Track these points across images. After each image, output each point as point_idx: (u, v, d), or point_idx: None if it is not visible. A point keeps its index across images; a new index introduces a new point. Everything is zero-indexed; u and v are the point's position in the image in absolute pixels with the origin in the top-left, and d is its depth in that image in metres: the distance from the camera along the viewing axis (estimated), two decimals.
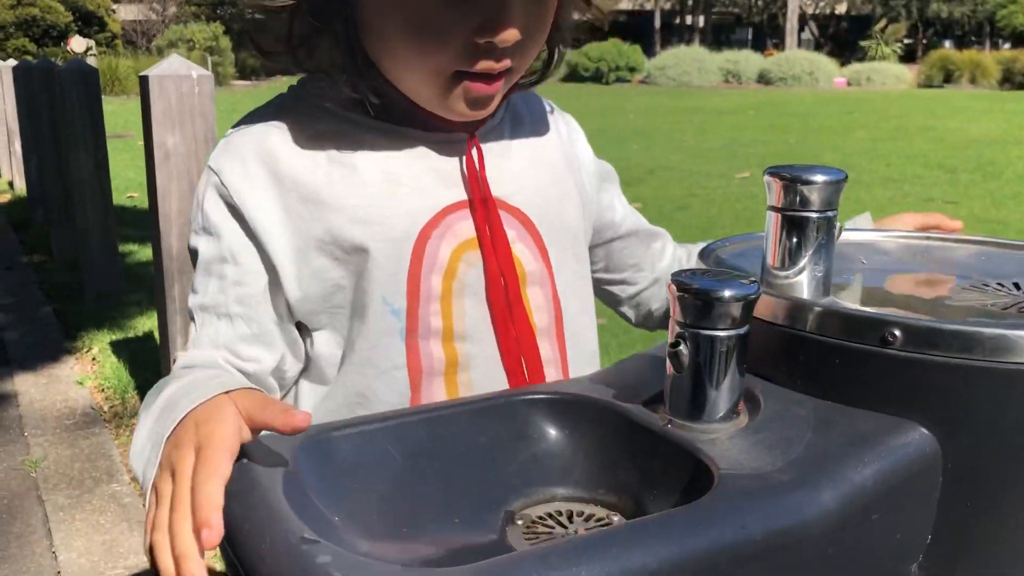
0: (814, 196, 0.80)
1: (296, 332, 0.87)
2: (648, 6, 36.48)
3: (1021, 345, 0.67)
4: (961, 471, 0.69)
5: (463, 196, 0.85)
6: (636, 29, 32.65)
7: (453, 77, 0.80)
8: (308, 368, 0.88)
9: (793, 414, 0.73)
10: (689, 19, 35.49)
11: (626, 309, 1.13)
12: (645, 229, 1.11)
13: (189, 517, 0.57)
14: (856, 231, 1.09)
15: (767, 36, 36.70)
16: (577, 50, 22.75)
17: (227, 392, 0.64)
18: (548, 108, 1.02)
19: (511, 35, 0.77)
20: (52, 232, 5.73)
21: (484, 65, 0.79)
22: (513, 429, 0.77)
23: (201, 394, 0.63)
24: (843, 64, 23.44)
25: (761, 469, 0.65)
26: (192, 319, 0.85)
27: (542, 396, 0.78)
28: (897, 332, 0.70)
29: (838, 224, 0.84)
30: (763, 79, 21.79)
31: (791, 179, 0.81)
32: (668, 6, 37.03)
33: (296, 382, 0.89)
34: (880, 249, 1.05)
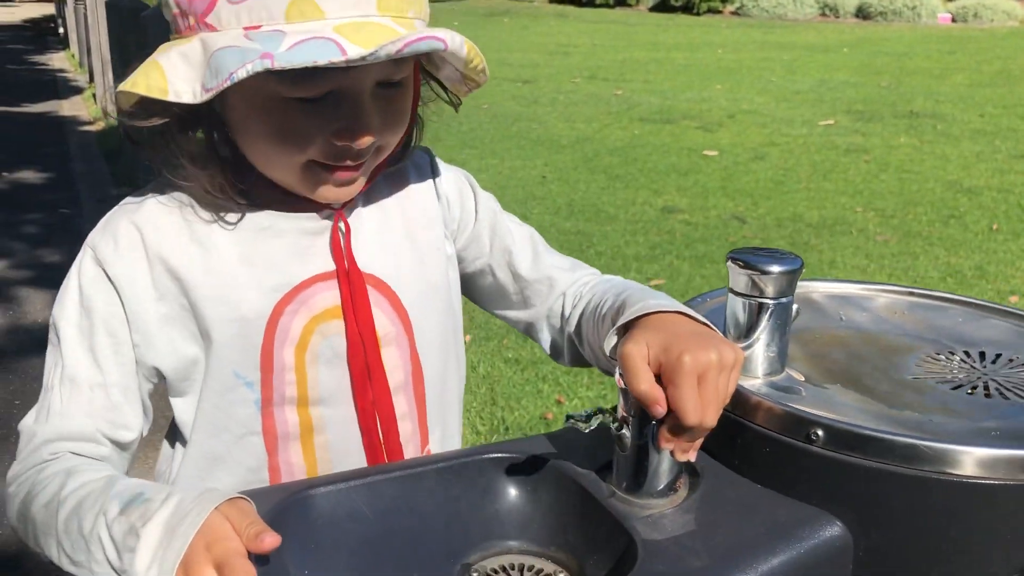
0: (770, 287, 0.86)
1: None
2: None
3: (929, 455, 0.73)
4: (871, 563, 0.76)
5: (325, 268, 0.91)
6: None
7: (313, 168, 0.86)
8: (170, 430, 0.97)
9: (723, 496, 0.80)
10: None
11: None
12: (544, 278, 1.06)
13: None
14: (843, 283, 1.14)
15: None
16: None
17: (217, 507, 0.71)
18: (427, 167, 1.04)
19: (367, 140, 0.85)
20: (140, 167, 5.98)
21: (340, 160, 0.86)
22: (478, 485, 0.87)
23: (197, 515, 0.70)
24: None
25: (681, 555, 0.74)
26: (51, 389, 0.89)
27: (507, 456, 0.87)
28: (820, 432, 0.77)
29: (795, 307, 0.90)
30: (862, 13, 20.90)
31: (750, 268, 0.87)
32: None
33: (162, 442, 0.98)
34: (862, 305, 1.10)
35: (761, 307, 0.87)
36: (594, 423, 0.79)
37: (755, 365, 0.90)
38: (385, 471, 0.85)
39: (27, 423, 0.90)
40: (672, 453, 0.78)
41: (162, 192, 0.92)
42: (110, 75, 7.87)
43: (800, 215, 5.42)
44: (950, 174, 6.47)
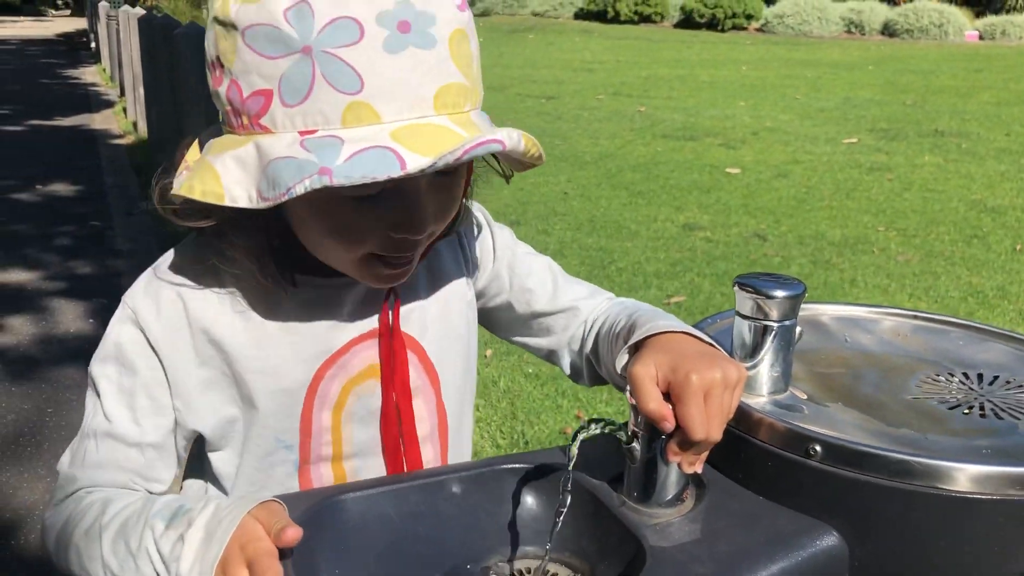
0: (774, 310, 0.91)
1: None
2: None
3: (920, 470, 0.78)
4: (866, 573, 0.81)
5: (366, 329, 0.94)
6: None
7: (371, 260, 0.87)
8: (207, 479, 1.00)
9: (727, 507, 0.85)
10: None
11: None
12: (565, 309, 1.10)
13: None
14: (850, 307, 1.19)
15: None
16: None
17: (250, 511, 0.77)
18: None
19: (422, 229, 0.85)
20: None
21: (397, 252, 0.86)
22: (497, 493, 0.92)
23: (232, 520, 0.76)
24: (978, 15, 22.19)
25: (686, 561, 0.78)
26: (88, 437, 0.92)
27: (524, 466, 0.93)
28: (818, 447, 0.82)
29: (798, 329, 0.95)
30: (888, 30, 20.88)
31: (756, 292, 0.92)
32: None
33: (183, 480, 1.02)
34: (867, 328, 1.14)
35: (766, 329, 0.92)
36: (594, 429, 0.84)
37: (760, 384, 0.94)
38: (410, 479, 0.91)
39: (63, 466, 0.94)
40: (679, 466, 0.83)
41: (204, 256, 0.91)
42: (141, 89, 8.02)
43: (822, 233, 5.44)
44: (974, 193, 6.47)
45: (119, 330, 0.92)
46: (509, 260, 1.09)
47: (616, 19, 22.82)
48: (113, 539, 0.82)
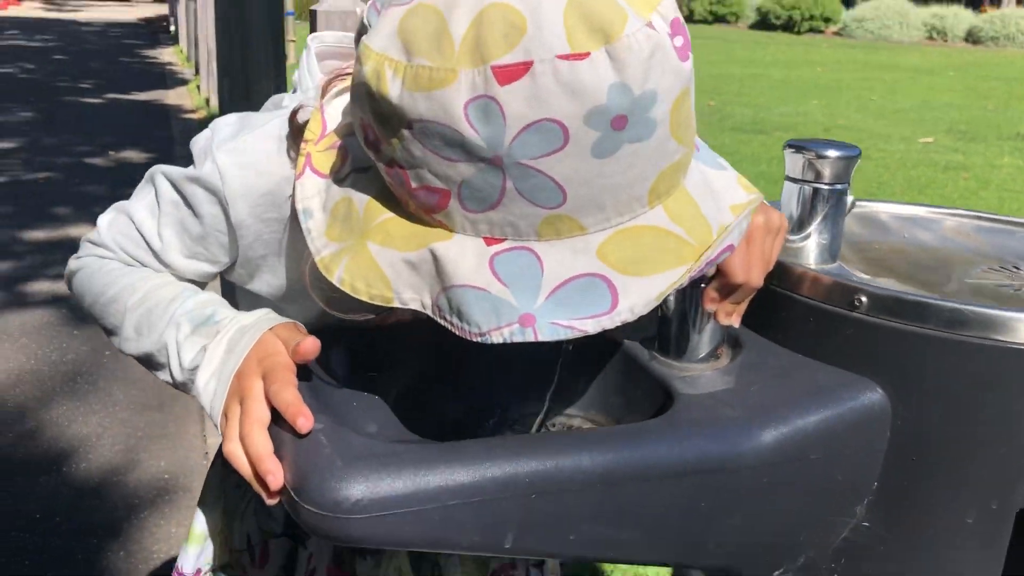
0: (826, 170, 0.86)
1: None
2: None
3: (973, 319, 0.73)
4: (909, 429, 0.76)
5: None
6: None
7: None
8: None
9: (765, 363, 0.81)
10: None
11: None
12: None
13: (260, 424, 0.68)
14: (911, 206, 1.13)
15: None
16: None
17: (272, 328, 0.75)
18: None
19: None
20: None
21: None
22: (525, 350, 0.88)
23: (253, 335, 0.74)
24: None
25: (714, 406, 0.75)
26: (133, 213, 0.85)
27: None
28: (863, 298, 0.77)
29: (850, 197, 0.90)
30: (971, 37, 20.30)
31: (805, 151, 0.87)
32: None
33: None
34: (927, 226, 1.08)
35: (816, 193, 0.87)
36: None
37: (807, 253, 0.90)
38: None
39: (103, 224, 0.88)
40: (716, 317, 0.79)
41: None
42: (213, 64, 8.17)
43: None
44: None
45: (204, 174, 0.80)
46: None
47: (690, 18, 22.59)
48: (137, 320, 0.81)
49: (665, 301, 0.82)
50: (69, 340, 3.45)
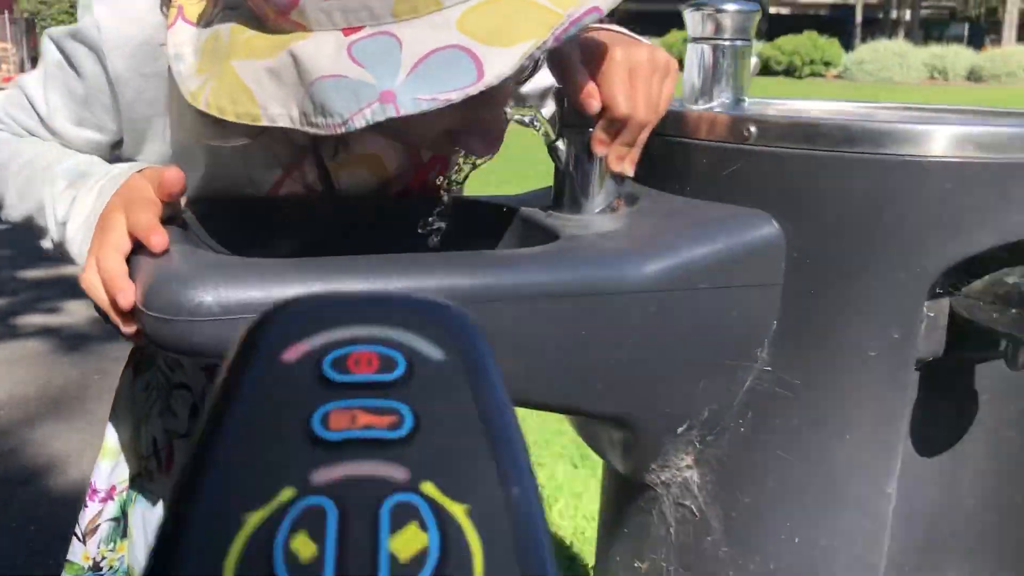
0: (727, 23, 0.84)
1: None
2: (851, 0, 34.89)
3: (860, 135, 0.70)
4: (805, 261, 0.73)
5: None
6: (835, 24, 31.31)
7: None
8: None
9: (658, 208, 0.78)
10: (895, 14, 33.70)
11: None
12: None
13: (115, 248, 0.67)
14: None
15: (985, 32, 34.26)
16: (770, 43, 22.14)
17: (139, 171, 0.74)
18: None
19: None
20: None
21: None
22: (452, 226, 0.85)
23: (121, 179, 0.73)
24: None
25: (598, 241, 0.72)
26: (22, 106, 0.84)
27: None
28: (752, 128, 0.74)
29: (754, 57, 0.88)
30: (973, 76, 20.44)
31: (704, 7, 0.85)
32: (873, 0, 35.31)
33: None
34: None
35: (716, 49, 0.85)
36: (538, 124, 0.77)
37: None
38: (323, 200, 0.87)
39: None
40: (607, 163, 0.77)
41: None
42: None
43: None
44: None
45: (76, 44, 0.79)
46: None
47: None
48: (20, 185, 0.80)
49: (556, 151, 0.80)
50: (59, 366, 3.46)
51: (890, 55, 20.81)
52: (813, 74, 21.21)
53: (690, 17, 0.87)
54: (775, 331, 0.74)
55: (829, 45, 21.37)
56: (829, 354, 0.74)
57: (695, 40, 0.87)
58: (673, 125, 0.80)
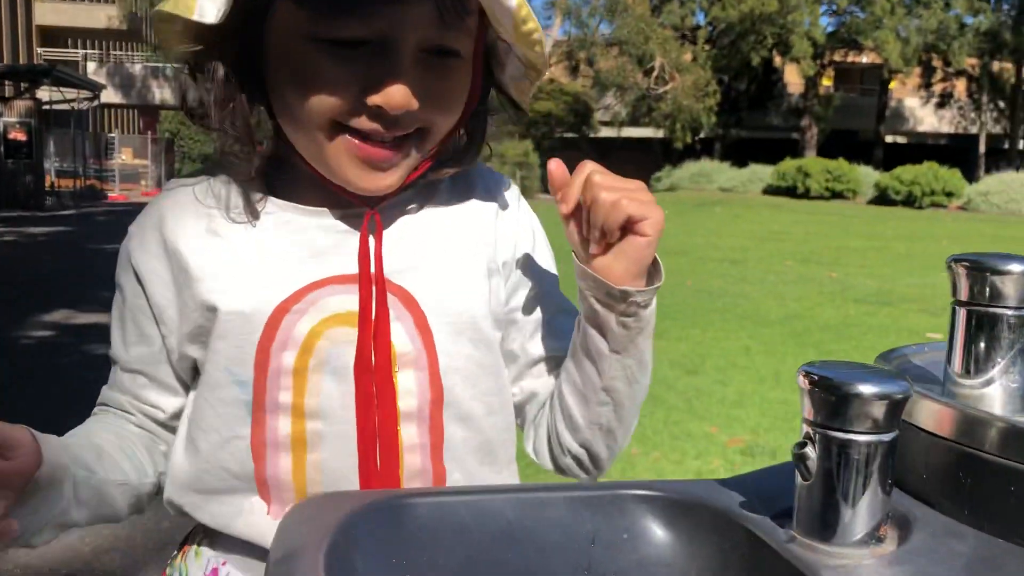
0: (1009, 289, 0.66)
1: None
2: (973, 130, 34.14)
3: None
4: None
5: (345, 270, 0.82)
6: (957, 153, 30.61)
7: (343, 138, 0.78)
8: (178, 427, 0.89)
9: (949, 549, 0.59)
10: (1022, 144, 32.74)
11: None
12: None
13: None
14: None
15: None
16: (887, 173, 21.69)
17: None
18: (500, 191, 0.93)
19: (399, 98, 0.74)
20: None
21: (370, 126, 0.76)
22: (619, 525, 0.69)
23: None
24: None
25: None
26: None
27: (657, 494, 0.70)
28: None
29: None
30: None
31: (981, 268, 0.67)
32: (997, 129, 34.42)
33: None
34: None
35: (998, 318, 0.67)
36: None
37: (992, 400, 0.68)
38: (498, 491, 0.70)
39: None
40: (881, 484, 0.58)
41: (203, 177, 0.88)
42: None
43: None
44: None
45: (120, 254, 0.89)
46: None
47: (807, 195, 22.59)
48: None
49: (803, 460, 0.61)
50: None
51: (1018, 186, 20.08)
52: (934, 204, 20.61)
53: (957, 275, 0.69)
54: None
55: (951, 175, 20.79)
56: None
57: (963, 304, 0.69)
58: (963, 431, 0.62)
